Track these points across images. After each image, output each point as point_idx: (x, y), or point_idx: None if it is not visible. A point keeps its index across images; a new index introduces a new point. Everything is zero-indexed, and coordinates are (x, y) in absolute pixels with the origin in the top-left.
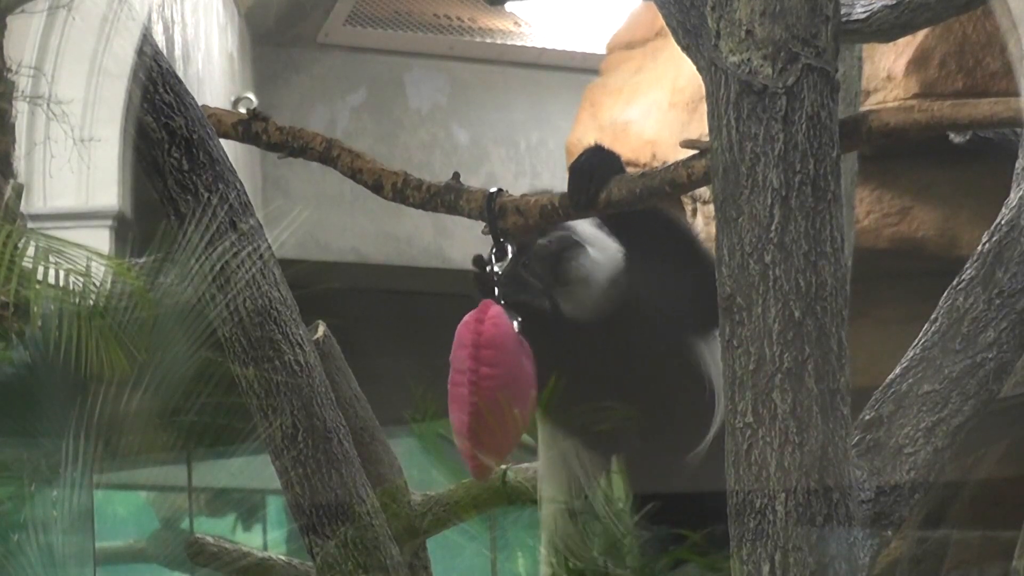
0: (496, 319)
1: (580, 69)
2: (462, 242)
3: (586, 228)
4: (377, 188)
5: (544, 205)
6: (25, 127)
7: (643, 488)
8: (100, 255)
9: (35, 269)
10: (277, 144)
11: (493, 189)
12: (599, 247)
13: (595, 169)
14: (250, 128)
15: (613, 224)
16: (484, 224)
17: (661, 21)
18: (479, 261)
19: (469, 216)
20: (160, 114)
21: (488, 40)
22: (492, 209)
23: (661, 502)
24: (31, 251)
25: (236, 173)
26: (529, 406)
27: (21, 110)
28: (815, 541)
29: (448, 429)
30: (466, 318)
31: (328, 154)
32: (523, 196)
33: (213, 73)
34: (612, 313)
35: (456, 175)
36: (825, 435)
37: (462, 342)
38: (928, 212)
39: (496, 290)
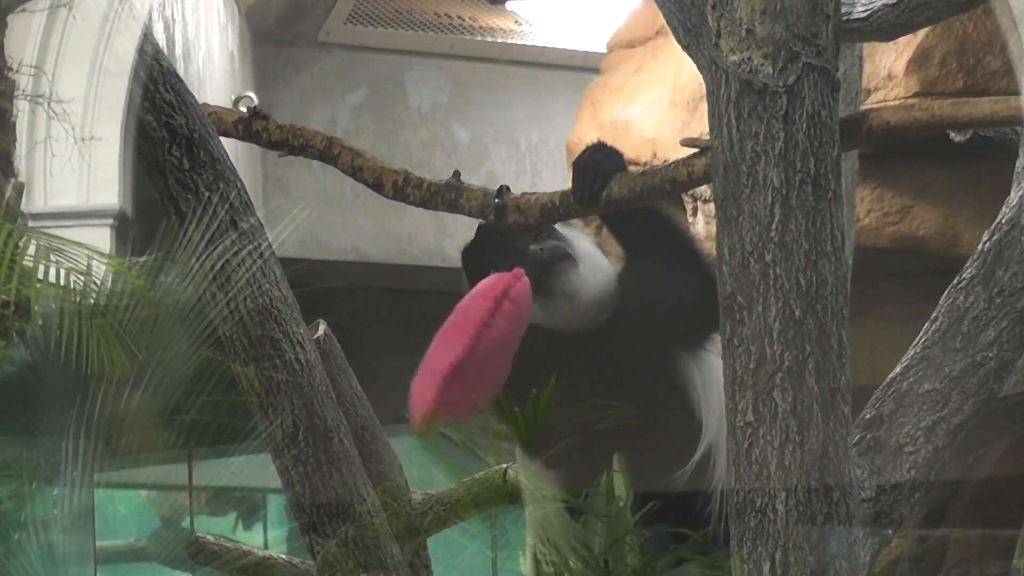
0: (527, 289)
1: (581, 68)
2: (463, 241)
3: (583, 242)
4: (378, 186)
5: (545, 203)
6: (26, 126)
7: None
8: (101, 254)
9: (36, 268)
10: (277, 142)
11: (497, 188)
12: (591, 264)
13: (599, 166)
14: (251, 126)
15: (612, 223)
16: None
17: (662, 20)
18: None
19: (470, 214)
20: (161, 113)
21: (489, 39)
22: (501, 205)
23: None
24: (32, 250)
25: (236, 172)
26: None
27: (22, 109)
28: (816, 540)
29: (450, 428)
30: (494, 277)
31: (328, 152)
32: (523, 195)
33: (214, 72)
34: (594, 329)
35: (457, 173)
36: (826, 434)
37: (484, 292)
38: (929, 211)
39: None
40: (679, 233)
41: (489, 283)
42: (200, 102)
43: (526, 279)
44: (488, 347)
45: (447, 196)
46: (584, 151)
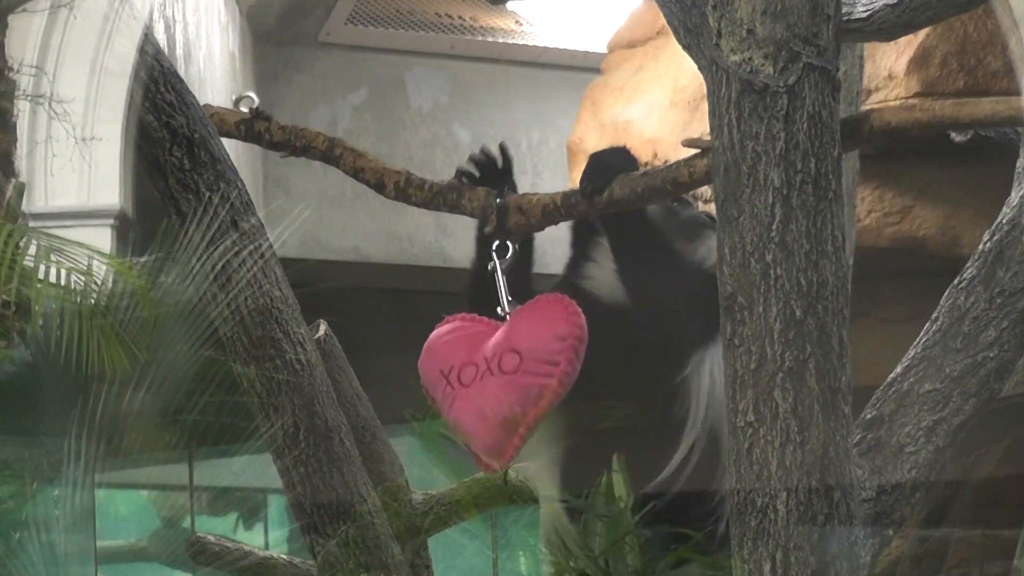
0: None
1: (581, 68)
2: (464, 241)
3: None
4: (379, 187)
5: (547, 204)
6: (27, 126)
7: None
8: (101, 254)
9: (36, 268)
10: (279, 143)
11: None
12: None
13: (614, 163)
14: (253, 127)
15: (610, 228)
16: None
17: (662, 20)
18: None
19: (471, 215)
20: (162, 113)
21: (489, 39)
22: (503, 206)
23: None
24: (33, 250)
25: (237, 172)
26: None
27: (23, 109)
28: (816, 540)
29: (450, 428)
30: (553, 301)
31: (330, 153)
32: (525, 195)
33: (214, 72)
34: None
35: (459, 174)
36: (826, 434)
37: (558, 332)
38: (929, 211)
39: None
40: (660, 239)
41: (552, 320)
42: (201, 102)
43: (574, 302)
44: (567, 390)
45: (449, 197)
46: (604, 149)
